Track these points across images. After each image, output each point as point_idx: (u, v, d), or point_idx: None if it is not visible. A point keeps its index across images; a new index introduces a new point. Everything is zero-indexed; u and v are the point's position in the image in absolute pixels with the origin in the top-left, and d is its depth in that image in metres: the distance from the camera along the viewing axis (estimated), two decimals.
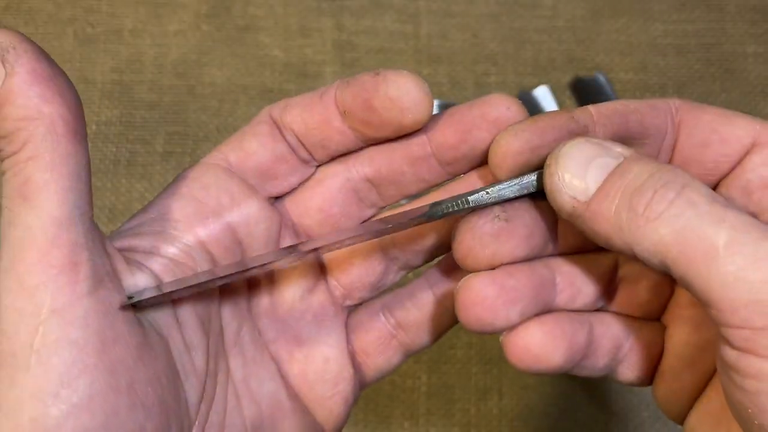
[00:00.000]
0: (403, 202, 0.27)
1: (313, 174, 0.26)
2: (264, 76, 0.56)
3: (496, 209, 0.23)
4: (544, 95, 0.56)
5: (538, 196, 0.22)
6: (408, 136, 0.24)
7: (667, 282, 0.25)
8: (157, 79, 0.56)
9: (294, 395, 0.26)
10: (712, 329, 0.20)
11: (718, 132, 0.22)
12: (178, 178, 0.26)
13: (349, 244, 0.24)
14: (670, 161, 0.23)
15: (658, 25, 0.58)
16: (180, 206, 0.25)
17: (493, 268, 0.23)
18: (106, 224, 0.52)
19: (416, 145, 0.24)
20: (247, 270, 0.23)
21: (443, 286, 0.27)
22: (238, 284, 0.26)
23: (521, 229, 0.23)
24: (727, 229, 0.18)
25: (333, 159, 0.26)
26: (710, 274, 0.18)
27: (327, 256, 0.27)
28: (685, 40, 0.58)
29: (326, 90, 0.24)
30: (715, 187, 0.23)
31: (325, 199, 0.26)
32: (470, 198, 0.22)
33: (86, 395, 0.19)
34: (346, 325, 0.28)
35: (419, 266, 0.28)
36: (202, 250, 0.24)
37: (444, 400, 0.49)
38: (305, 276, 0.27)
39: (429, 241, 0.26)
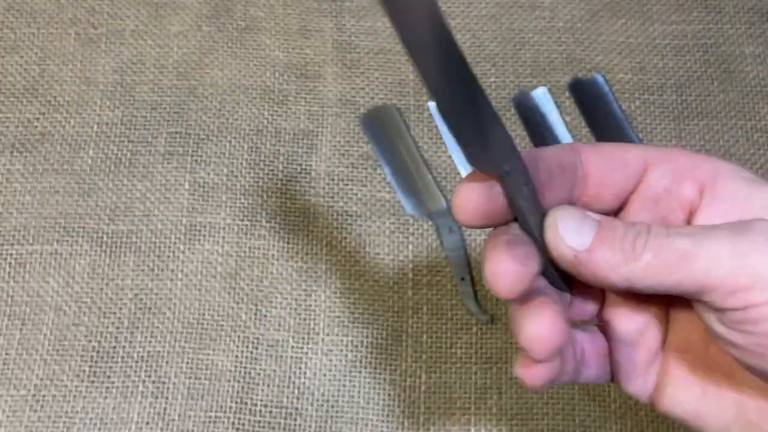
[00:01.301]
0: None
1: None
2: (265, 76, 0.57)
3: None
4: (543, 96, 0.56)
5: None
6: None
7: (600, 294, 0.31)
8: (158, 80, 0.57)
9: None
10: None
11: (620, 158, 0.29)
12: None
13: None
14: (585, 188, 0.29)
15: (656, 26, 0.58)
16: None
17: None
18: (107, 224, 0.53)
19: None
20: None
21: None
22: None
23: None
24: (691, 242, 0.25)
25: None
26: (695, 269, 0.25)
27: None
28: (683, 41, 0.58)
29: None
30: (626, 202, 0.29)
31: None
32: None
33: None
34: None
35: None
36: None
37: (443, 398, 0.49)
38: None
39: None
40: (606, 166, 0.28)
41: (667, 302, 0.30)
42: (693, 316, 0.29)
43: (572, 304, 0.31)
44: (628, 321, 0.30)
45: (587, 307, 0.31)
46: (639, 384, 0.30)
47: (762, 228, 0.25)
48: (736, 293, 0.25)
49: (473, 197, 0.27)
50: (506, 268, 0.26)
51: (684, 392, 0.29)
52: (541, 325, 0.26)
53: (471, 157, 0.27)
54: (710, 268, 0.25)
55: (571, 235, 0.26)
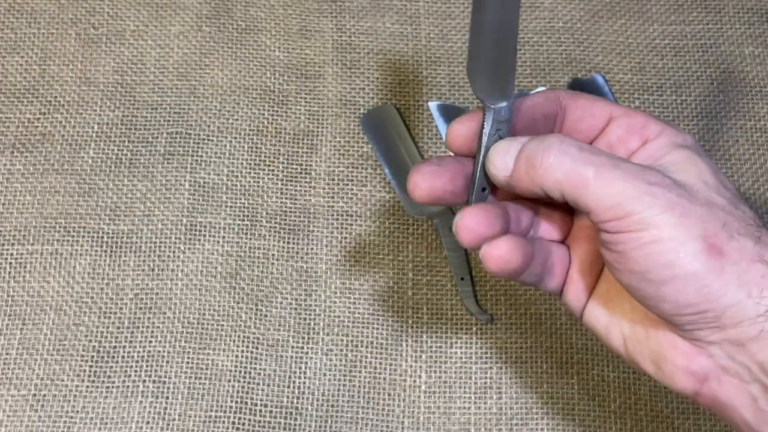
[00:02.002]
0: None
1: None
2: (265, 77, 0.57)
3: (435, 159, 0.35)
4: None
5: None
6: None
7: (569, 215, 0.37)
8: (158, 80, 0.57)
9: None
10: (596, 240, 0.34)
11: (590, 110, 0.35)
12: None
13: None
14: (560, 131, 0.35)
15: (656, 26, 0.59)
16: None
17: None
18: (108, 224, 0.53)
19: None
20: None
21: None
22: None
23: (448, 173, 0.35)
24: (593, 166, 0.31)
25: None
26: (588, 194, 0.31)
27: None
28: (682, 42, 0.58)
29: None
30: (590, 144, 0.35)
31: None
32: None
33: None
34: None
35: None
36: None
37: (443, 398, 0.49)
38: None
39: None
40: (578, 114, 0.35)
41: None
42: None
43: (540, 225, 0.37)
44: (580, 242, 0.36)
45: (549, 226, 0.37)
46: (574, 296, 0.36)
47: (650, 173, 0.31)
48: (611, 221, 0.31)
49: (462, 130, 0.35)
50: (412, 177, 0.34)
51: (599, 309, 0.36)
52: (466, 217, 0.34)
53: (478, 87, 0.34)
54: (598, 197, 0.31)
55: (499, 163, 0.33)
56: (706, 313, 0.31)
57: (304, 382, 0.49)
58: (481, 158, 0.35)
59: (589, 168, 0.31)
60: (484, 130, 0.34)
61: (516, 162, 0.33)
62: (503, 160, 0.34)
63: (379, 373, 0.49)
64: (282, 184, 0.54)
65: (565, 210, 0.37)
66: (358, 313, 0.51)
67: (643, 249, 0.31)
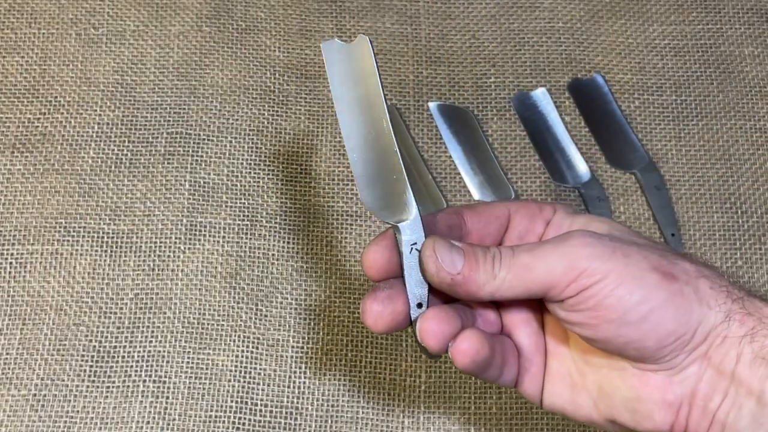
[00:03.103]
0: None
1: None
2: (265, 77, 0.57)
3: (383, 284, 0.36)
4: (542, 97, 0.57)
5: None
6: None
7: (497, 308, 0.38)
8: (159, 80, 0.57)
9: None
10: (541, 329, 0.37)
11: (491, 214, 0.37)
12: None
13: None
14: (470, 239, 0.37)
15: (656, 26, 0.59)
16: None
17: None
18: (108, 224, 0.53)
19: None
20: None
21: None
22: None
23: (399, 297, 0.35)
24: (524, 252, 0.33)
25: None
26: (535, 277, 0.33)
27: None
28: (682, 42, 0.58)
29: None
30: (501, 242, 0.37)
31: None
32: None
33: None
34: None
35: None
36: None
37: (443, 398, 0.49)
38: None
39: None
40: (482, 220, 0.37)
41: (539, 310, 0.37)
42: (555, 319, 0.36)
43: (478, 320, 0.37)
44: (518, 329, 0.37)
45: (490, 318, 0.37)
46: (531, 382, 0.37)
47: (575, 236, 0.33)
48: (569, 285, 0.32)
49: (377, 257, 0.35)
50: (371, 307, 0.35)
51: (558, 385, 0.36)
52: (426, 322, 0.34)
53: (376, 211, 0.35)
54: (546, 272, 0.33)
55: (447, 262, 0.34)
56: (684, 337, 0.32)
57: (304, 382, 0.49)
58: (406, 277, 0.35)
59: (522, 256, 0.33)
60: (400, 251, 0.35)
61: (466, 265, 0.34)
62: (450, 258, 0.34)
63: (379, 373, 0.50)
64: (282, 184, 0.54)
65: (493, 305, 0.38)
66: (358, 313, 0.51)
67: (614, 294, 0.32)
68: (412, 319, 0.35)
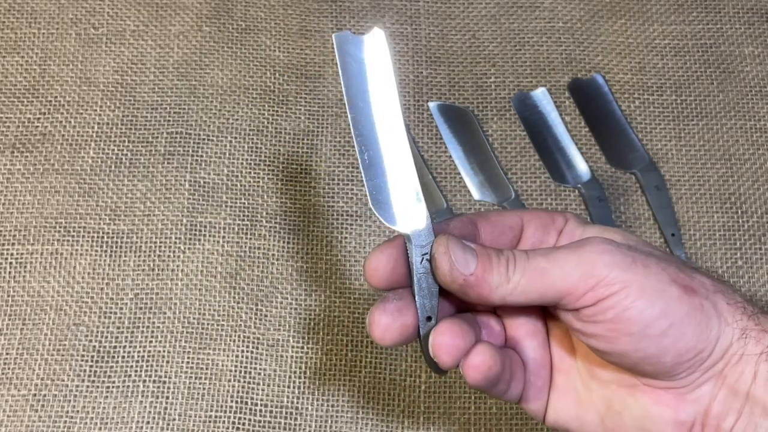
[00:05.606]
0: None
1: None
2: (265, 76, 0.57)
3: (392, 295, 0.34)
4: (542, 97, 0.57)
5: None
6: None
7: (500, 319, 0.36)
8: (159, 80, 0.57)
9: None
10: (546, 344, 0.36)
11: (504, 224, 0.36)
12: None
13: None
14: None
15: (656, 26, 0.59)
16: None
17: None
18: (108, 224, 0.53)
19: None
20: None
21: None
22: None
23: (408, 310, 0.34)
24: (540, 256, 0.32)
25: None
26: (549, 281, 0.32)
27: None
28: (682, 42, 0.58)
29: None
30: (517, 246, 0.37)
31: None
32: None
33: None
34: None
35: None
36: None
37: (443, 398, 0.49)
38: None
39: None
40: (495, 230, 0.36)
41: (543, 320, 0.36)
42: (562, 331, 0.35)
43: (483, 330, 0.36)
44: (525, 341, 0.36)
45: (495, 330, 0.36)
46: (535, 396, 0.35)
47: (592, 242, 0.32)
48: (586, 293, 0.31)
49: (380, 265, 0.33)
50: (380, 319, 0.33)
51: (564, 400, 0.35)
52: (438, 336, 0.33)
53: (387, 217, 0.33)
54: (562, 277, 0.31)
55: (460, 261, 0.32)
56: (702, 353, 0.31)
57: (304, 382, 0.49)
58: (416, 288, 0.33)
59: (538, 259, 0.32)
60: (411, 261, 0.33)
61: (479, 266, 0.33)
62: (464, 258, 0.33)
63: (379, 373, 0.50)
64: (282, 184, 0.54)
65: (497, 315, 0.36)
66: (358, 313, 0.51)
67: (634, 306, 0.31)
68: (421, 332, 0.34)
